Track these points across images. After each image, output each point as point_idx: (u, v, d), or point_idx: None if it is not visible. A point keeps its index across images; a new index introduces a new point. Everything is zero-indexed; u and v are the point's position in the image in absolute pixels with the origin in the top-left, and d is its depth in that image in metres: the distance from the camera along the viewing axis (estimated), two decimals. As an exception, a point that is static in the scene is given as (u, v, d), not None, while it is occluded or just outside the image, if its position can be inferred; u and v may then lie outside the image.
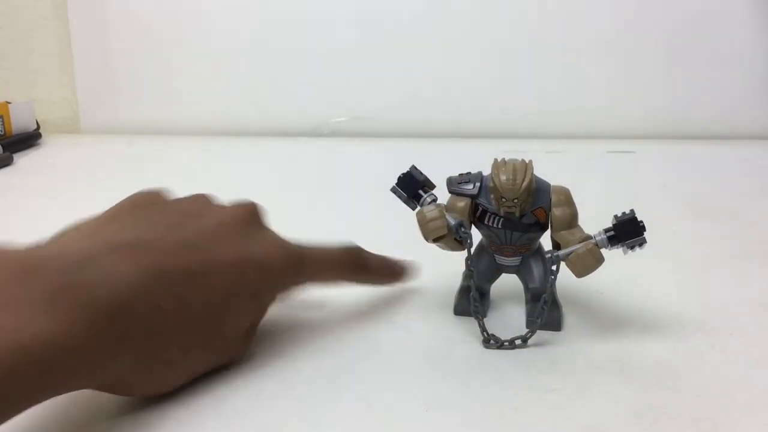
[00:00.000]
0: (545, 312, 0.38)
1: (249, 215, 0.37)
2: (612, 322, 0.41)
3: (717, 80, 0.94)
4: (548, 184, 0.38)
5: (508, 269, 0.41)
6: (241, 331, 0.35)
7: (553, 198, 0.38)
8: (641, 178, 0.76)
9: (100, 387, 0.30)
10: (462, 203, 0.39)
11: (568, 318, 0.41)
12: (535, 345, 0.38)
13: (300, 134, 0.95)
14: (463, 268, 0.40)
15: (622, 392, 0.34)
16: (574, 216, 0.38)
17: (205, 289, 0.32)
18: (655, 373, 0.35)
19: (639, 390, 0.34)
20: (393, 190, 0.40)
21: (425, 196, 0.40)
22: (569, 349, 0.38)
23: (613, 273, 0.44)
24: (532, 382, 0.35)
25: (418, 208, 0.40)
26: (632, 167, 0.81)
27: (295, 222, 0.55)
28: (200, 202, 0.38)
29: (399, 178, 0.40)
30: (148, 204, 0.37)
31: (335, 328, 0.40)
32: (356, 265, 0.41)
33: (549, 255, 0.38)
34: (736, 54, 0.94)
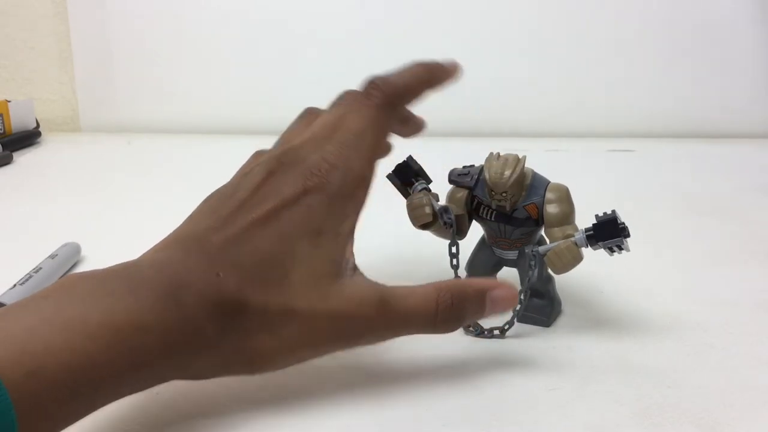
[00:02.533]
0: (523, 305, 0.38)
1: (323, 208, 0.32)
2: (612, 321, 0.41)
3: (718, 79, 0.94)
4: (547, 181, 0.39)
5: (508, 262, 0.41)
6: (311, 275, 0.31)
7: (548, 195, 0.38)
8: (641, 177, 0.76)
9: (204, 372, 0.30)
10: (460, 194, 0.40)
11: (568, 317, 0.41)
12: (535, 344, 0.38)
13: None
14: (467, 257, 0.41)
15: (622, 392, 0.34)
16: (566, 214, 0.38)
17: (263, 242, 0.30)
18: (655, 373, 0.35)
19: (639, 390, 0.34)
20: (388, 176, 0.41)
21: (416, 184, 0.41)
22: (569, 348, 0.38)
23: (613, 272, 0.45)
24: (532, 381, 0.35)
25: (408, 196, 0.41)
26: (633, 166, 0.81)
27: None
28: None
29: (396, 166, 0.41)
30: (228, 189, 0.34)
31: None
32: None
33: (528, 250, 0.38)
34: (736, 52, 0.94)
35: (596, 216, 0.37)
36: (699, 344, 0.38)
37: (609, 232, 0.36)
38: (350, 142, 0.33)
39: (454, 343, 0.38)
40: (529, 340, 0.39)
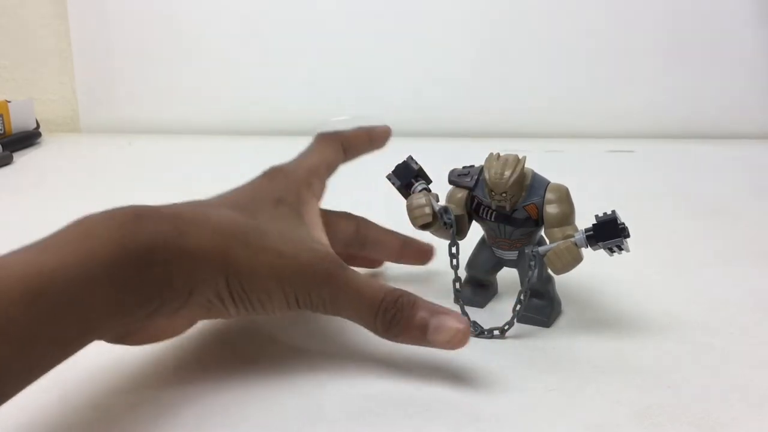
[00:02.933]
0: (522, 305, 0.38)
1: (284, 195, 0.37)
2: (612, 321, 0.41)
3: (717, 79, 0.94)
4: (546, 182, 0.39)
5: (508, 262, 0.41)
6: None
7: (548, 195, 0.38)
8: (641, 177, 0.76)
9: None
10: (460, 194, 0.40)
11: (568, 317, 0.41)
12: (535, 344, 0.38)
13: (300, 133, 0.95)
14: (467, 258, 0.41)
15: (622, 392, 0.34)
16: (566, 214, 0.38)
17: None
18: (655, 373, 0.35)
19: (639, 390, 0.34)
20: (388, 177, 0.42)
21: (416, 184, 0.41)
22: (569, 348, 0.38)
23: (613, 272, 0.45)
24: (532, 381, 0.35)
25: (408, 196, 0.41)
26: (632, 166, 0.81)
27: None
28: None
29: (396, 167, 0.41)
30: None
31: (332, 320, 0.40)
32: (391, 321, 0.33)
33: (528, 251, 0.38)
34: (736, 53, 0.93)
35: (596, 216, 0.37)
36: (699, 344, 0.38)
37: (609, 232, 0.36)
38: (303, 152, 0.41)
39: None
40: (529, 340, 0.39)
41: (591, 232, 0.36)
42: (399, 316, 0.33)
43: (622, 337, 0.39)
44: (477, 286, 0.43)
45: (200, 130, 0.98)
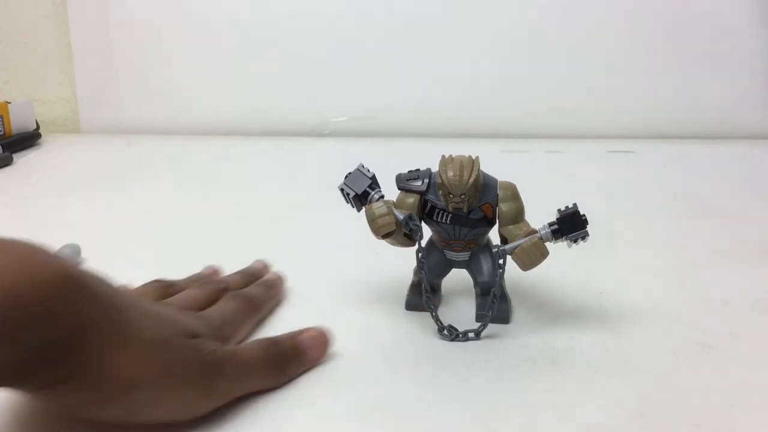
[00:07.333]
0: (495, 305, 0.38)
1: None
2: (612, 321, 0.41)
3: (717, 80, 0.94)
4: (496, 180, 0.39)
5: (458, 264, 0.41)
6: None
7: (500, 193, 0.38)
8: (641, 178, 0.76)
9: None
10: (411, 199, 0.39)
11: (568, 317, 0.41)
12: (535, 344, 0.38)
13: (300, 134, 0.95)
14: (413, 263, 0.40)
15: (622, 392, 0.34)
16: (520, 211, 0.39)
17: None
18: (655, 373, 0.35)
19: (639, 390, 0.34)
20: (342, 187, 0.40)
21: (373, 193, 0.40)
22: (569, 349, 0.38)
23: (613, 273, 0.45)
24: (532, 382, 0.35)
25: (367, 205, 0.39)
26: (632, 167, 0.81)
27: (295, 221, 0.55)
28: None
29: (347, 177, 0.40)
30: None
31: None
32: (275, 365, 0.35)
33: (496, 249, 0.38)
34: (736, 54, 0.94)
35: (558, 210, 0.37)
36: (699, 344, 0.38)
37: (573, 225, 0.37)
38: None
39: (453, 346, 0.38)
40: (529, 341, 0.39)
41: (556, 226, 0.37)
42: (280, 363, 0.34)
43: (622, 337, 0.39)
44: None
45: (200, 130, 0.98)
